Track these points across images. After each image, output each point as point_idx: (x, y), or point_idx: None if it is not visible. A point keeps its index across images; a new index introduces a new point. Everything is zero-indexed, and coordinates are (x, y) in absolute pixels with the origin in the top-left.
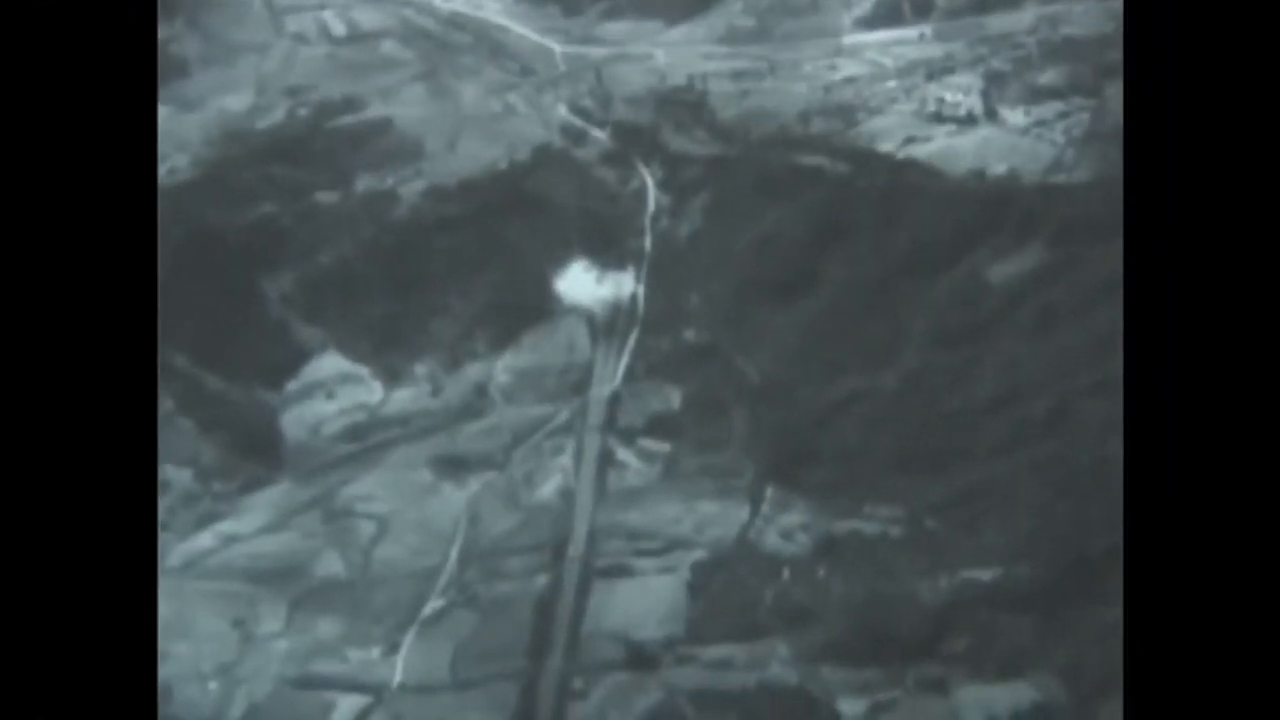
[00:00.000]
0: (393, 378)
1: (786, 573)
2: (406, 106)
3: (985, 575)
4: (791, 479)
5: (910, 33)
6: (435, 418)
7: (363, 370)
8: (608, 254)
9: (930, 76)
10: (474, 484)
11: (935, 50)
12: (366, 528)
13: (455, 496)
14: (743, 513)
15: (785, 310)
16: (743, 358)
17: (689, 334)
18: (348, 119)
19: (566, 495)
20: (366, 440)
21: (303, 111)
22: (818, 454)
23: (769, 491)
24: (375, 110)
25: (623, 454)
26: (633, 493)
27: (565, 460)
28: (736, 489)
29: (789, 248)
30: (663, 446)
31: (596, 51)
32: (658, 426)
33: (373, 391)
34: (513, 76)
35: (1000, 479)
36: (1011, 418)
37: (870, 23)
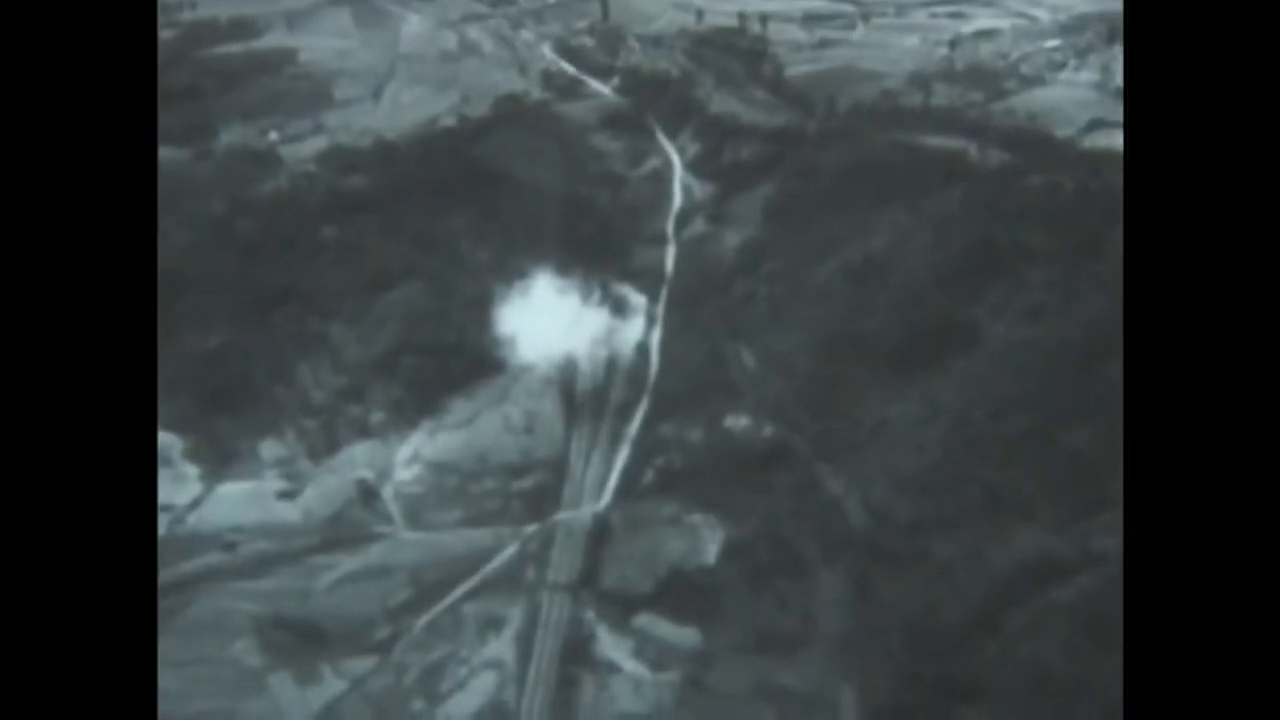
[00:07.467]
0: (221, 460)
1: None
2: (320, 36)
3: None
4: None
5: None
6: (283, 540)
7: (174, 444)
8: (600, 272)
9: (1113, 37)
10: (333, 682)
11: (1111, 2)
12: None
13: (296, 702)
14: None
15: (908, 391)
16: (834, 471)
17: (738, 422)
18: (230, 47)
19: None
20: (160, 571)
21: (168, 34)
22: (976, 681)
23: None
24: (274, 39)
25: (609, 644)
26: None
27: (503, 646)
28: None
29: (913, 282)
30: (685, 636)
31: None
32: (677, 594)
33: (185, 482)
34: (480, 4)
35: None
36: None
37: None
